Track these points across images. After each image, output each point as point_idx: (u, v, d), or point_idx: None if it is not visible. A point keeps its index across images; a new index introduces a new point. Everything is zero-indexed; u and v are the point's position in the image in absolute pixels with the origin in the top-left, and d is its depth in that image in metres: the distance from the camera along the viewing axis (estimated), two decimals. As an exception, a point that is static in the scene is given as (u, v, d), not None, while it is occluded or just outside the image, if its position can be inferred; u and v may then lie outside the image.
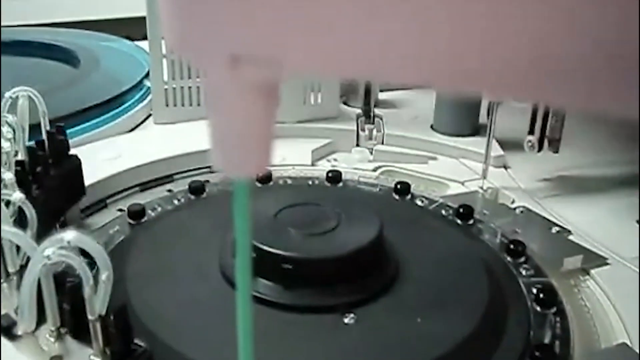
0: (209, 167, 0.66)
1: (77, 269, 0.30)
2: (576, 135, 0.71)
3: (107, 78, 0.79)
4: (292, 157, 0.70)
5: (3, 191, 0.36)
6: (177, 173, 0.65)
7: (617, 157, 0.73)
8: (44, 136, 0.47)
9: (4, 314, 0.35)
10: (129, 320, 0.32)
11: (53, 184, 0.46)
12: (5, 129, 0.42)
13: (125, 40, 0.92)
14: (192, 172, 0.66)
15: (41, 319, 0.34)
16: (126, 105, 0.74)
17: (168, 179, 0.65)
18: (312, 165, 0.70)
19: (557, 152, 0.67)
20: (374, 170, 0.69)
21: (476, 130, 0.75)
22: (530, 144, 0.67)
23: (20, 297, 0.31)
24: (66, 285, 0.33)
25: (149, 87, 0.78)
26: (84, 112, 0.68)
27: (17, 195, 0.36)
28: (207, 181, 0.64)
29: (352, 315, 0.43)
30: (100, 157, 0.63)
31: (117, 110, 0.73)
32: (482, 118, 0.76)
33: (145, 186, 0.63)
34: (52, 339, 0.34)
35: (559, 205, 0.63)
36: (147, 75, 0.79)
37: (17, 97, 0.44)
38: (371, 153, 0.73)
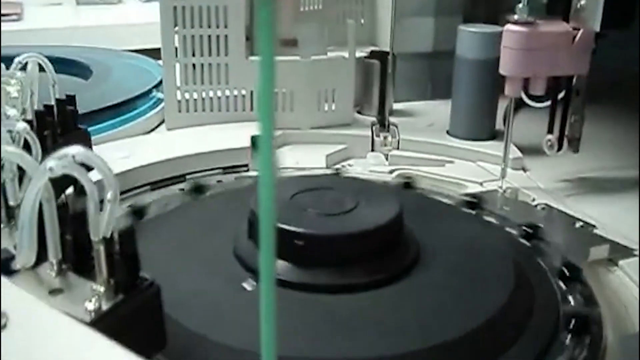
0: (221, 167, 0.65)
1: (81, 181, 0.28)
2: (594, 141, 0.70)
3: (117, 87, 0.79)
4: (306, 161, 0.69)
5: (6, 122, 0.35)
6: (189, 173, 0.64)
7: (634, 161, 0.71)
8: (53, 102, 0.46)
9: (3, 249, 0.33)
10: (136, 248, 0.30)
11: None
12: (13, 81, 0.41)
13: (147, 58, 0.91)
14: (204, 173, 0.64)
15: (42, 256, 0.32)
16: (137, 111, 0.74)
17: (180, 178, 0.63)
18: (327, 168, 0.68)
19: (577, 151, 0.65)
20: (390, 172, 0.68)
21: (493, 135, 0.73)
22: (549, 143, 0.65)
23: (20, 222, 0.29)
24: (68, 214, 0.31)
25: (159, 99, 0.78)
26: (91, 115, 0.67)
27: (21, 125, 0.35)
28: (220, 181, 0.64)
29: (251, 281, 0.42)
30: (111, 156, 0.62)
31: (128, 115, 0.72)
32: (499, 125, 0.75)
33: (156, 185, 0.62)
34: (53, 273, 0.31)
35: (580, 204, 0.61)
36: (158, 85, 0.79)
37: (26, 62, 0.43)
38: (387, 158, 0.71)
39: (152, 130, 0.74)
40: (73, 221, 0.32)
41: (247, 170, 0.66)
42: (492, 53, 0.67)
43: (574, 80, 0.63)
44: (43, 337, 0.26)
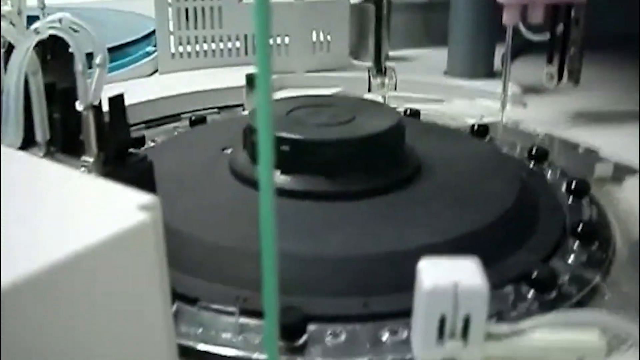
0: (216, 107, 0.64)
1: (68, 43, 0.27)
2: (593, 82, 0.69)
3: (110, 36, 0.77)
4: (303, 103, 0.68)
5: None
6: (184, 112, 0.63)
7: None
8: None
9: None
10: (126, 116, 0.29)
11: (54, 66, 0.43)
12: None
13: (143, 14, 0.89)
14: (199, 112, 0.63)
15: (28, 143, 0.30)
16: (130, 58, 0.72)
17: (175, 117, 0.62)
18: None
19: (577, 83, 0.64)
20: (388, 111, 0.67)
21: (491, 73, 0.72)
22: (549, 75, 0.64)
23: (4, 94, 0.28)
24: (56, 89, 0.30)
25: (148, 52, 0.77)
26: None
27: (8, 7, 0.34)
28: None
29: None
30: (106, 95, 0.60)
31: (120, 62, 0.71)
32: (497, 66, 0.74)
33: (150, 124, 0.61)
34: (41, 154, 0.30)
35: (582, 134, 0.60)
36: (149, 35, 0.78)
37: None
38: (384, 100, 0.70)
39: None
40: (61, 97, 0.31)
41: (243, 110, 0.65)
42: (489, -12, 0.65)
43: (573, 10, 0.62)
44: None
